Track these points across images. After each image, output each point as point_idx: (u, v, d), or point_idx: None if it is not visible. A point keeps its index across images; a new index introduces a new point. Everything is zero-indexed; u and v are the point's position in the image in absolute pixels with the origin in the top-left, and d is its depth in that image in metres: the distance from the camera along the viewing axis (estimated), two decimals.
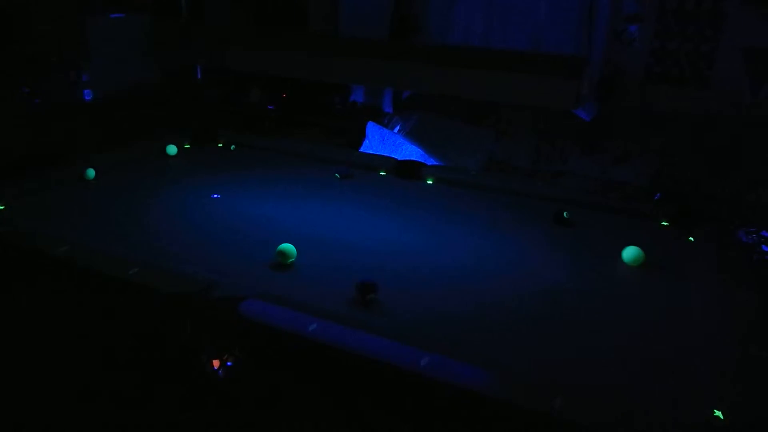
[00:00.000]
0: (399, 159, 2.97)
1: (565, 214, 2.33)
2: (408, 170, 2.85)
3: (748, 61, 3.63)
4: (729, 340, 1.57)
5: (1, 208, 2.25)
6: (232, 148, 3.25)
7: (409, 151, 3.96)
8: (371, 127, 4.22)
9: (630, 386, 1.40)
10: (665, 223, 2.37)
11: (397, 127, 4.38)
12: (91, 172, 2.64)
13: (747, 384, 1.39)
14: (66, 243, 1.89)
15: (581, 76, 3.17)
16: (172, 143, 3.11)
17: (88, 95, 4.11)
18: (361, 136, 4.25)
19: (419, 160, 3.00)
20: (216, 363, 1.59)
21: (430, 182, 2.80)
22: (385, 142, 4.10)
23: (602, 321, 1.69)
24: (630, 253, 2.02)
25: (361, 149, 4.15)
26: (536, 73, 3.19)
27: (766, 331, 1.62)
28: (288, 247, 1.91)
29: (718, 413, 1.25)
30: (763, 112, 3.59)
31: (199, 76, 5.04)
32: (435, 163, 3.68)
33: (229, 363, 1.58)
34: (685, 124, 3.74)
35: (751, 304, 1.75)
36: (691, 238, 2.24)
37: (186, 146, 3.22)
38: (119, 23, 4.39)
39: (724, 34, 3.64)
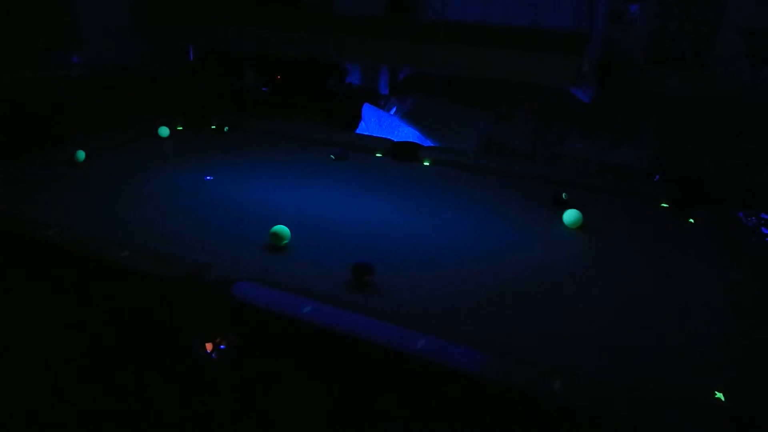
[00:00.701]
0: (395, 141, 2.93)
1: (564, 195, 2.30)
2: (404, 152, 2.81)
3: (749, 43, 3.59)
4: (729, 322, 1.55)
5: None
6: (225, 129, 3.21)
7: (405, 133, 3.91)
8: (367, 109, 4.16)
9: (630, 368, 1.38)
10: (665, 205, 2.35)
11: (394, 109, 4.32)
12: (81, 154, 2.59)
13: (747, 365, 1.38)
14: (54, 226, 1.85)
15: (582, 53, 3.11)
16: (165, 125, 3.06)
17: (75, 58, 4.01)
18: (358, 118, 4.19)
19: (416, 141, 2.96)
20: (209, 346, 1.56)
21: (426, 164, 2.76)
22: (382, 124, 4.05)
23: (601, 303, 1.67)
24: (570, 216, 2.11)
25: (358, 131, 4.10)
26: (536, 50, 3.13)
27: (766, 313, 1.60)
28: (282, 228, 1.88)
29: (719, 395, 1.24)
30: (763, 93, 3.55)
31: (192, 57, 4.96)
32: (432, 145, 3.64)
33: (222, 346, 1.56)
34: (685, 106, 3.70)
35: (750, 285, 1.73)
36: (691, 220, 2.21)
37: (178, 128, 3.17)
38: (109, 0, 4.30)
39: (725, 16, 3.59)
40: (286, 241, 1.88)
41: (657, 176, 3.58)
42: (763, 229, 2.56)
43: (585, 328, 1.54)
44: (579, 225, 2.11)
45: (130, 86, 4.28)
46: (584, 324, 1.56)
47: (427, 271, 1.80)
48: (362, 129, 4.14)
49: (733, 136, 3.58)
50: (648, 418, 1.17)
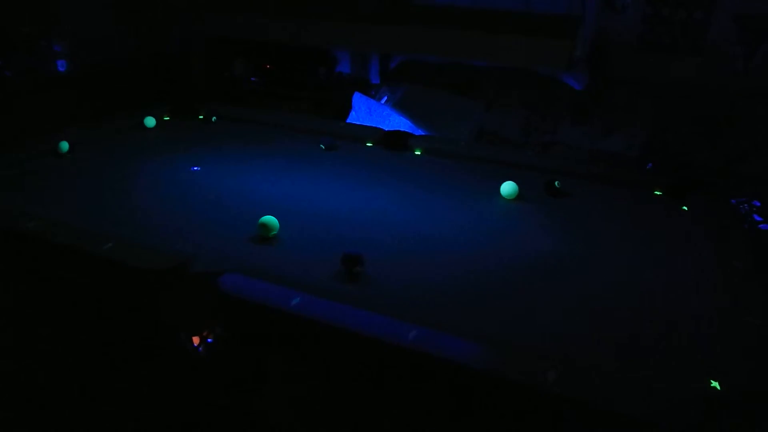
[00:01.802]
0: (386, 130, 2.89)
1: (556, 183, 2.27)
2: (395, 141, 2.77)
3: (741, 29, 3.57)
4: (723, 309, 1.54)
5: None
6: (213, 120, 3.15)
7: (396, 123, 3.87)
8: (358, 98, 4.11)
9: (624, 358, 1.36)
10: (658, 193, 2.33)
11: (385, 98, 4.28)
12: (64, 145, 2.53)
13: (742, 353, 1.36)
14: (36, 217, 1.80)
15: (575, 37, 3.07)
16: (151, 115, 3.00)
17: (62, 66, 3.95)
18: (348, 108, 4.15)
19: (407, 131, 2.92)
20: (196, 340, 1.53)
21: (418, 153, 2.73)
22: (372, 114, 4.00)
23: (594, 292, 1.65)
24: (507, 188, 2.22)
25: (348, 120, 4.06)
26: (528, 34, 3.09)
27: (760, 300, 1.58)
28: (270, 219, 1.85)
29: (714, 384, 1.22)
30: (755, 80, 3.54)
31: (178, 45, 4.88)
32: (423, 134, 3.60)
33: (209, 340, 1.52)
34: (678, 93, 3.68)
35: (744, 272, 1.72)
36: (685, 208, 2.20)
37: (165, 118, 3.11)
38: None
39: (718, 1, 3.57)
40: (274, 232, 1.85)
41: (650, 164, 3.57)
42: (756, 216, 2.55)
43: (579, 318, 1.52)
44: (515, 196, 2.23)
45: (115, 75, 4.20)
46: (578, 313, 1.54)
47: (418, 261, 1.78)
48: (353, 118, 4.09)
49: (726, 123, 3.57)
50: (642, 407, 1.15)
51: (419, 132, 3.64)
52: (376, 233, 1.93)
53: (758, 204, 2.58)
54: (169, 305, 1.54)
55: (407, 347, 1.29)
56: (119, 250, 1.64)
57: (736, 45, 3.57)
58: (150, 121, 2.98)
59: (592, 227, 2.05)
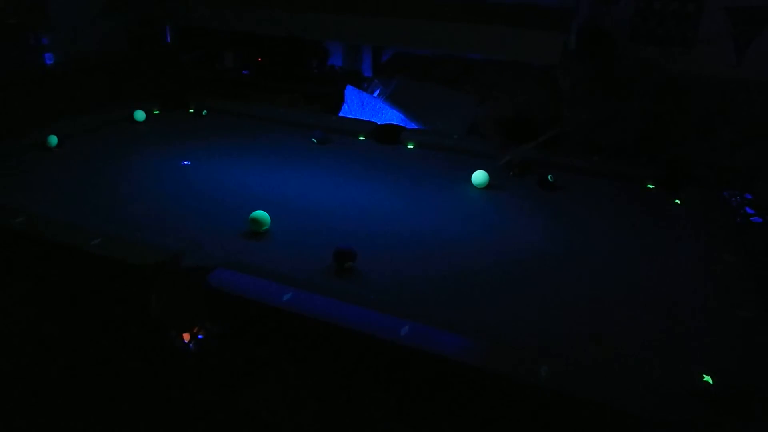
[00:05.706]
0: (379, 123, 2.88)
1: (549, 177, 2.27)
2: (388, 135, 2.76)
3: (734, 22, 3.57)
4: (716, 304, 1.54)
5: None
6: (203, 113, 3.12)
7: (389, 116, 3.85)
8: (350, 92, 4.08)
9: (617, 353, 1.36)
10: (651, 186, 2.33)
11: (377, 91, 4.25)
12: (53, 139, 2.50)
13: (734, 347, 1.36)
14: (23, 213, 1.77)
15: (568, 29, 3.05)
16: (140, 108, 2.97)
17: (49, 59, 3.89)
18: (340, 101, 4.12)
19: (399, 124, 2.91)
20: (187, 336, 1.51)
21: (410, 147, 2.71)
22: (365, 107, 3.98)
23: (587, 286, 1.65)
24: (478, 178, 2.26)
25: (340, 114, 4.03)
26: (522, 26, 3.07)
27: (752, 294, 1.59)
28: (261, 214, 1.83)
29: (707, 378, 1.22)
30: (748, 72, 3.54)
31: (168, 38, 4.82)
32: (415, 127, 3.58)
33: (200, 336, 1.51)
34: (670, 86, 3.68)
35: (736, 266, 1.72)
36: (677, 201, 2.20)
37: (155, 112, 3.08)
38: None
39: None
40: (265, 227, 1.84)
41: (643, 157, 3.57)
42: (747, 209, 2.55)
43: (572, 312, 1.52)
44: (485, 185, 2.26)
45: (104, 68, 4.15)
46: (571, 307, 1.54)
47: (411, 255, 1.77)
48: (345, 112, 4.06)
49: (718, 116, 3.57)
50: (634, 401, 1.15)
51: (412, 125, 3.62)
52: (368, 228, 1.92)
53: (750, 197, 2.58)
54: (159, 301, 1.52)
55: (400, 343, 1.28)
56: (108, 246, 1.62)
57: (728, 38, 3.57)
58: (140, 115, 2.95)
59: (586, 221, 2.05)
